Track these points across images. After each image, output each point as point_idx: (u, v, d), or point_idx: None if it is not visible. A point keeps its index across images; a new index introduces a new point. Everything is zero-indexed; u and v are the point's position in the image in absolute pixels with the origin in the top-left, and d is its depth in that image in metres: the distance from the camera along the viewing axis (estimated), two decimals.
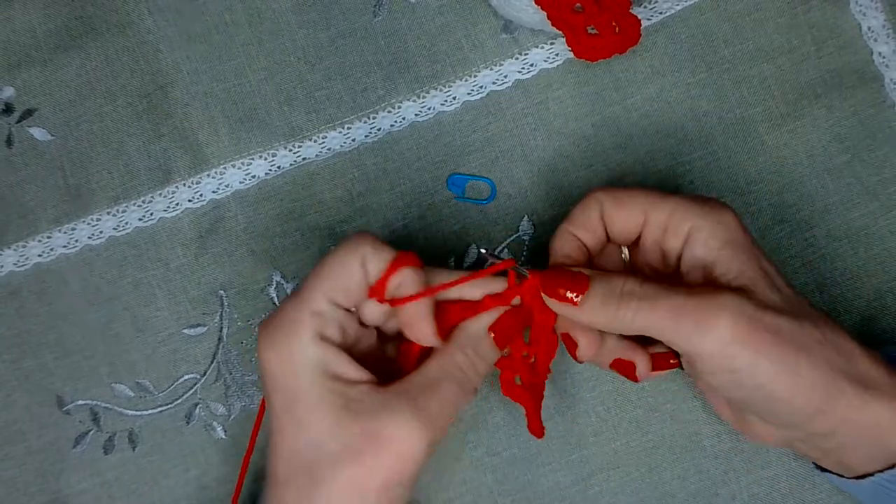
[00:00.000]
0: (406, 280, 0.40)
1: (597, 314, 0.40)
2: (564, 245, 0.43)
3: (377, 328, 0.44)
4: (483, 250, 0.46)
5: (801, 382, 0.38)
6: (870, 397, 0.38)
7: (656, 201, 0.42)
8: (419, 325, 0.40)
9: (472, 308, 0.42)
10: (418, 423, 0.38)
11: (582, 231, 0.43)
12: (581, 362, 0.43)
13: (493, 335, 0.41)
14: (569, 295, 0.40)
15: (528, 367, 0.43)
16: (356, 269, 0.40)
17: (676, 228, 0.41)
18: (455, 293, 0.42)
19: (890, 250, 0.49)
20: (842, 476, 0.42)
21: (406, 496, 0.39)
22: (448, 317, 0.42)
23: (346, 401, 0.38)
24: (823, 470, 0.43)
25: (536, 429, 0.44)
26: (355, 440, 0.37)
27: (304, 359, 0.38)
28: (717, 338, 0.37)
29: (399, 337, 0.43)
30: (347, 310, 0.41)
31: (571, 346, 0.42)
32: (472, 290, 0.42)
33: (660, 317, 0.38)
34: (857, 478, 0.41)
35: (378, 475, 0.38)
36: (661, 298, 0.39)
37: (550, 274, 0.41)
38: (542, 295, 0.41)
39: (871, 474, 0.40)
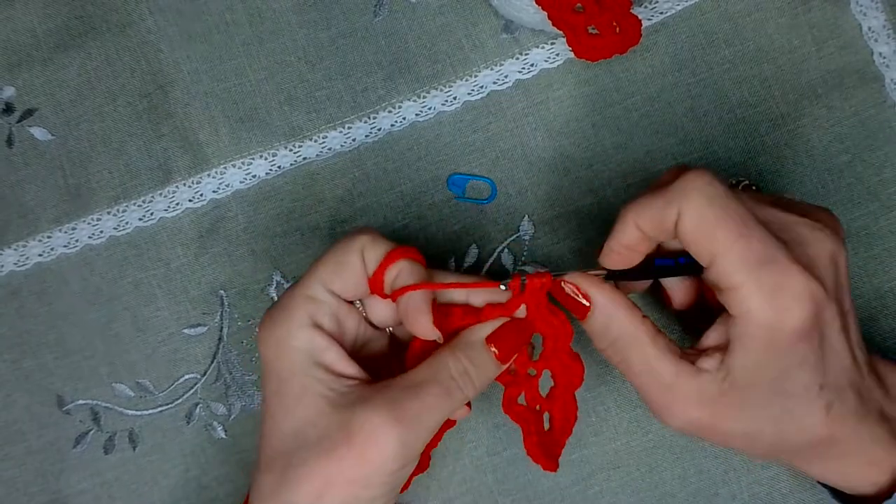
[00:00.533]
0: (404, 272, 0.39)
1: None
2: (625, 235, 0.40)
3: (392, 335, 0.44)
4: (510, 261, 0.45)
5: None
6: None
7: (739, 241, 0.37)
8: (416, 317, 0.39)
9: (474, 315, 0.41)
10: (391, 421, 0.37)
11: (649, 226, 0.39)
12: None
13: (492, 347, 0.40)
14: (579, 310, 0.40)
15: (534, 386, 0.42)
16: (354, 258, 0.39)
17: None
18: (459, 297, 0.41)
19: (890, 250, 0.49)
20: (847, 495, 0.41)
21: (378, 496, 0.38)
22: (449, 321, 0.41)
23: (331, 392, 0.38)
24: (834, 494, 0.42)
25: (547, 462, 0.42)
26: (332, 432, 0.37)
27: (295, 343, 0.38)
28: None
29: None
30: (348, 302, 0.40)
31: (667, 300, 0.42)
32: (475, 296, 0.41)
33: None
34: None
35: (346, 470, 0.37)
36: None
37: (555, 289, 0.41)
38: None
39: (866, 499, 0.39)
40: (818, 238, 0.38)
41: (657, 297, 0.48)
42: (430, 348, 0.41)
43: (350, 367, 0.39)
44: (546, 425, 0.43)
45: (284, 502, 0.38)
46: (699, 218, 0.37)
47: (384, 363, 0.42)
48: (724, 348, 0.38)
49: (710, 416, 0.38)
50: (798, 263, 0.36)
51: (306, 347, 0.39)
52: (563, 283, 0.40)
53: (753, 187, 0.43)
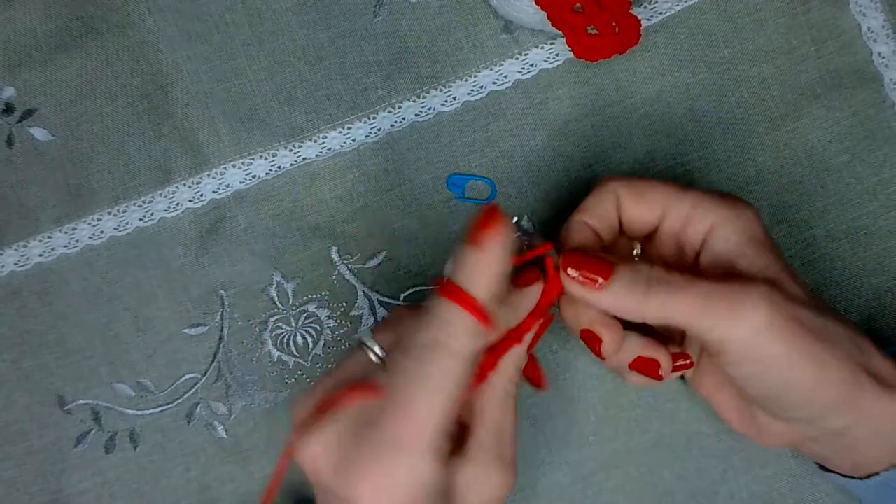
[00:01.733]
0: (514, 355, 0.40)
1: (623, 298, 0.39)
2: (577, 234, 0.42)
3: None
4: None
5: (826, 375, 0.38)
6: (885, 393, 0.38)
7: (677, 194, 0.41)
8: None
9: (517, 335, 0.40)
10: (509, 474, 0.38)
11: (596, 221, 0.42)
12: (604, 359, 0.42)
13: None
14: (590, 278, 0.39)
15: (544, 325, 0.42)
16: (460, 379, 0.36)
17: (698, 222, 0.41)
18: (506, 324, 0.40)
19: (890, 250, 0.49)
20: (848, 476, 0.42)
21: None
22: (497, 352, 0.40)
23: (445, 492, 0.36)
24: (827, 470, 0.43)
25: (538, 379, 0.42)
26: None
27: (423, 488, 0.35)
28: (751, 325, 0.37)
29: None
30: None
31: (595, 342, 0.41)
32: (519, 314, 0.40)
33: (691, 303, 0.38)
34: (864, 477, 0.41)
35: None
36: (691, 285, 0.38)
37: (573, 255, 0.40)
38: (563, 275, 0.40)
39: (878, 473, 0.40)
40: (724, 244, 0.40)
41: None
42: (474, 390, 0.39)
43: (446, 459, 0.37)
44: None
45: None
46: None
47: None
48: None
49: (787, 317, 0.38)
50: (728, 283, 0.38)
51: (438, 482, 0.36)
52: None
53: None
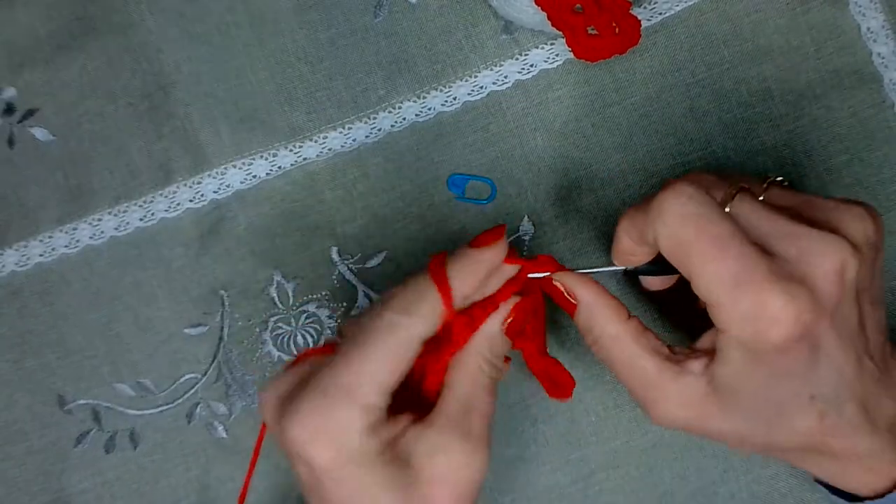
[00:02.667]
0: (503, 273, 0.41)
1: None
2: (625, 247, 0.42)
3: None
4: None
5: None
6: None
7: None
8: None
9: (491, 304, 0.41)
10: (472, 450, 0.37)
11: (638, 240, 0.41)
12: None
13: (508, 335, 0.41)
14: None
15: (539, 336, 0.43)
16: (411, 352, 0.37)
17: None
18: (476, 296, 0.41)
19: (890, 250, 0.49)
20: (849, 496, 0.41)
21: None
22: (474, 321, 0.40)
23: (395, 460, 0.37)
24: (821, 484, 0.42)
25: (565, 386, 0.43)
26: (408, 482, 0.36)
27: (357, 456, 0.36)
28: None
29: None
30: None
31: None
32: (493, 283, 0.41)
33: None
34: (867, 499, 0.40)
35: None
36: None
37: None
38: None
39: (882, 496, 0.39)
40: (820, 250, 0.36)
41: (651, 296, 0.48)
42: (446, 360, 0.40)
43: (401, 421, 0.38)
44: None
45: None
46: (672, 239, 0.37)
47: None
48: (712, 353, 0.38)
49: (697, 415, 0.38)
50: (779, 282, 0.35)
51: (370, 453, 0.36)
52: (553, 281, 0.42)
53: (786, 183, 0.42)
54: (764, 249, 0.36)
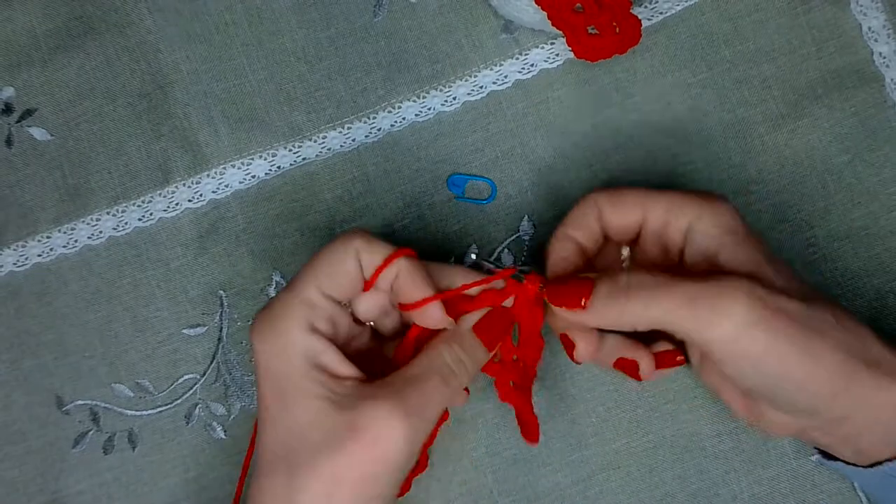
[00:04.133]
0: (403, 270, 0.40)
1: (605, 314, 0.40)
2: (562, 248, 0.43)
3: (373, 329, 0.44)
4: (474, 256, 0.47)
5: (816, 365, 0.37)
6: (884, 380, 0.38)
7: (652, 196, 0.42)
8: (427, 310, 0.41)
9: (468, 304, 0.42)
10: (398, 415, 0.37)
11: (579, 232, 0.43)
12: (579, 363, 0.43)
13: (479, 335, 0.42)
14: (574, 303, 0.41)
15: (517, 370, 0.44)
16: (350, 262, 0.40)
17: (676, 221, 0.41)
18: (454, 284, 0.42)
19: (891, 250, 0.49)
20: (853, 465, 0.42)
21: (385, 494, 0.39)
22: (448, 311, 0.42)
23: (331, 394, 0.38)
24: (832, 458, 0.43)
25: (531, 432, 0.44)
26: (336, 431, 0.37)
27: (293, 348, 0.38)
28: (732, 323, 0.37)
29: (396, 336, 0.44)
30: (340, 303, 0.41)
31: (569, 346, 0.42)
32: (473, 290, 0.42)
33: (673, 304, 0.38)
34: (867, 466, 0.41)
35: (356, 467, 0.37)
36: (671, 286, 0.38)
37: (554, 285, 0.41)
38: (551, 306, 0.41)
39: (881, 462, 0.40)
40: (703, 239, 0.40)
41: None
42: (423, 340, 0.42)
43: (348, 368, 0.39)
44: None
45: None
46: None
47: (369, 357, 0.43)
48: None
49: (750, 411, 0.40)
50: (707, 281, 0.38)
51: (305, 352, 0.39)
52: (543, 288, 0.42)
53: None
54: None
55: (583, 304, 0.40)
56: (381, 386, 0.39)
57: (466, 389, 0.43)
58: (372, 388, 0.39)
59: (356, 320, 0.42)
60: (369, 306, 0.42)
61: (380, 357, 0.43)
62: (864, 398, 0.38)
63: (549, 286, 0.42)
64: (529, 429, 0.44)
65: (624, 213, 0.42)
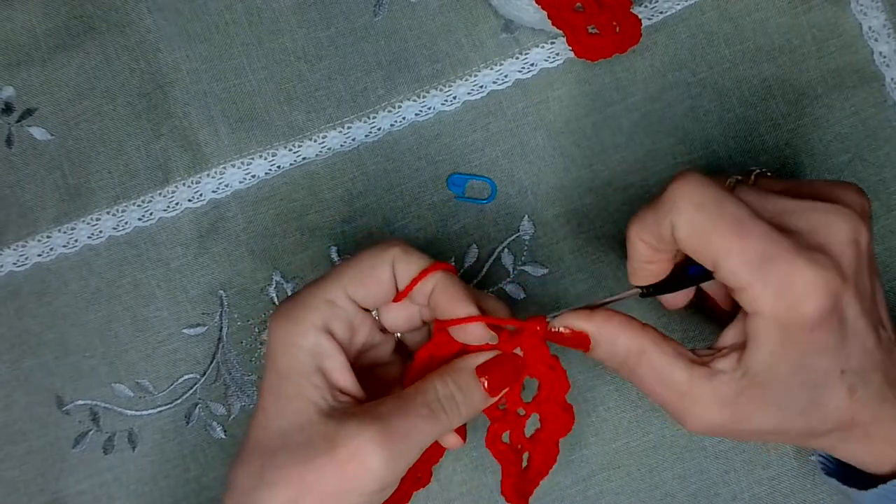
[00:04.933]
0: (440, 284, 0.39)
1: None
2: (637, 254, 0.40)
3: (399, 340, 0.44)
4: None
5: (835, 386, 0.37)
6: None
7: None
8: (470, 326, 0.40)
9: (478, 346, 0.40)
10: (378, 440, 0.36)
11: (653, 241, 0.39)
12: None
13: (482, 379, 0.40)
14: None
15: (520, 426, 0.42)
16: (384, 270, 0.39)
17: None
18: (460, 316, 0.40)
19: (891, 250, 0.49)
20: (850, 486, 0.41)
21: None
22: (450, 344, 0.40)
23: (323, 402, 0.38)
24: (828, 475, 0.43)
25: (509, 496, 0.41)
26: (316, 441, 0.37)
27: (302, 342, 0.38)
28: (800, 309, 0.35)
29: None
30: (365, 310, 0.40)
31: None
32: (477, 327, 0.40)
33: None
34: (864, 489, 0.40)
35: (324, 481, 0.37)
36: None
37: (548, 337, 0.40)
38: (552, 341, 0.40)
39: (877, 484, 0.39)
40: (832, 220, 0.37)
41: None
42: (431, 367, 0.40)
43: (348, 382, 0.39)
44: (524, 464, 0.42)
45: (257, 501, 0.37)
46: (691, 226, 0.36)
47: (387, 368, 0.42)
48: (740, 347, 0.38)
49: (732, 416, 0.38)
50: (805, 254, 0.35)
51: (312, 350, 0.38)
52: (552, 328, 0.40)
53: (768, 174, 0.42)
54: (778, 227, 0.36)
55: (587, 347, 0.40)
56: (370, 408, 0.38)
57: (463, 434, 0.41)
58: (363, 408, 0.38)
59: (382, 329, 0.42)
60: (398, 317, 0.41)
61: (401, 370, 0.42)
62: (880, 418, 0.38)
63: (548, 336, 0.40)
64: (507, 492, 0.41)
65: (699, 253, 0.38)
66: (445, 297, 0.39)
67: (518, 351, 0.41)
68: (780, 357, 0.36)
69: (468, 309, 0.39)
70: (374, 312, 0.41)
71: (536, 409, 0.41)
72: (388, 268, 0.39)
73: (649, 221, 0.38)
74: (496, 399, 0.41)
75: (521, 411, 0.42)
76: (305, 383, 0.38)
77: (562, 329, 0.40)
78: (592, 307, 0.40)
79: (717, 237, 0.36)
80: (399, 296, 0.40)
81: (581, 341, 0.40)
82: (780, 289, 0.35)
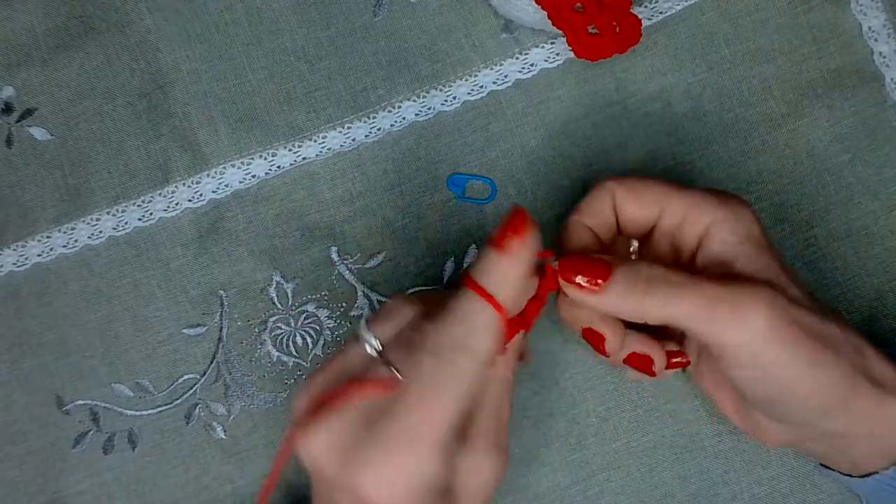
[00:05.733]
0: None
1: (622, 300, 0.38)
2: (576, 236, 0.42)
3: None
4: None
5: (823, 380, 0.37)
6: (882, 396, 0.38)
7: (673, 193, 0.41)
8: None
9: (522, 322, 0.40)
10: (502, 461, 0.38)
11: (593, 221, 0.42)
12: (607, 356, 0.42)
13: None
14: (588, 282, 0.39)
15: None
16: (479, 376, 0.37)
17: (694, 222, 0.40)
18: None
19: (891, 250, 0.49)
20: (846, 475, 0.42)
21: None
22: (525, 323, 0.40)
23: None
24: (826, 468, 0.43)
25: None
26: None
27: (429, 484, 0.36)
28: (751, 329, 0.37)
29: None
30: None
31: (598, 340, 0.41)
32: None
33: (692, 304, 0.37)
34: (862, 476, 0.41)
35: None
36: (693, 285, 0.37)
37: (570, 260, 0.39)
38: (561, 282, 0.39)
39: (876, 472, 0.40)
40: (721, 245, 0.39)
41: None
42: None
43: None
44: None
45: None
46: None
47: None
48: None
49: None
50: (729, 286, 0.37)
51: (433, 484, 0.36)
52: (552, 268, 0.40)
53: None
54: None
55: (599, 284, 0.38)
56: (478, 450, 0.38)
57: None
58: (473, 454, 0.38)
59: None
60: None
61: None
62: (862, 413, 0.38)
63: (564, 261, 0.39)
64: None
65: (640, 206, 0.41)
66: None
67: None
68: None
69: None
70: None
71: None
72: (480, 372, 0.37)
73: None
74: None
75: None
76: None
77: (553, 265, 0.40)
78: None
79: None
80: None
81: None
82: (735, 320, 0.37)
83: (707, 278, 0.38)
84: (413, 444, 0.34)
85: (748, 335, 0.37)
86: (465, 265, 0.49)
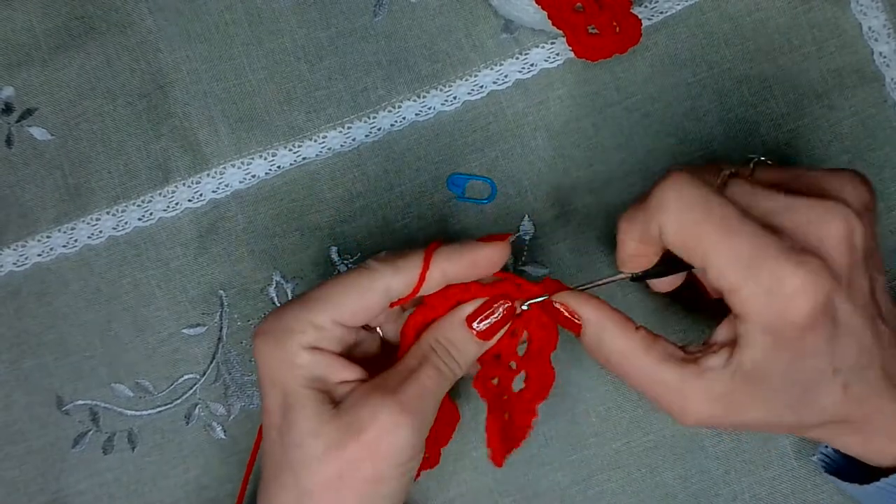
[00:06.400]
0: (443, 264, 0.40)
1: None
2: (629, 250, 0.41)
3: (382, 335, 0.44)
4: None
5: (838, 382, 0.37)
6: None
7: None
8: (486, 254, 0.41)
9: (467, 293, 0.41)
10: (397, 409, 0.37)
11: (642, 239, 0.40)
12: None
13: (473, 325, 0.41)
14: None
15: (509, 378, 0.42)
16: (375, 298, 0.39)
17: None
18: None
19: (891, 250, 0.49)
20: (851, 482, 0.41)
21: (394, 493, 0.39)
22: (447, 299, 0.41)
23: (331, 400, 0.38)
24: (829, 473, 0.43)
25: (496, 452, 0.41)
26: (337, 435, 0.37)
27: (297, 361, 0.38)
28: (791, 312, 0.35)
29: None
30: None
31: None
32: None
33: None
34: (864, 483, 0.40)
35: (361, 468, 0.37)
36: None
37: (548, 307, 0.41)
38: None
39: (878, 478, 0.39)
40: (824, 218, 0.36)
41: (659, 298, 0.47)
42: (421, 330, 0.41)
43: (350, 371, 0.39)
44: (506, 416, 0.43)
45: None
46: (679, 228, 0.36)
47: (375, 362, 0.42)
48: (732, 344, 0.37)
49: (724, 410, 0.37)
50: (793, 256, 0.35)
51: (309, 367, 0.38)
52: (553, 302, 0.41)
53: (769, 161, 0.41)
54: (768, 227, 0.36)
55: (578, 323, 0.40)
56: (376, 385, 0.39)
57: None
58: (368, 387, 0.39)
59: (365, 327, 0.42)
60: (392, 328, 0.42)
61: (388, 362, 0.43)
62: (878, 412, 0.38)
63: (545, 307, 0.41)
64: (494, 445, 0.42)
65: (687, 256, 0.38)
66: (456, 267, 0.40)
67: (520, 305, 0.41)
68: (770, 358, 0.36)
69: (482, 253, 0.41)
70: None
71: (525, 367, 0.42)
72: (380, 295, 0.39)
73: (638, 220, 0.38)
74: (490, 344, 0.41)
75: (513, 364, 0.42)
76: (308, 392, 0.38)
77: (558, 305, 0.40)
78: (583, 288, 0.41)
79: (705, 239, 0.36)
80: (399, 301, 0.40)
81: (572, 325, 0.40)
82: (768, 293, 0.35)
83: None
84: (293, 309, 0.40)
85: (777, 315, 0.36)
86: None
